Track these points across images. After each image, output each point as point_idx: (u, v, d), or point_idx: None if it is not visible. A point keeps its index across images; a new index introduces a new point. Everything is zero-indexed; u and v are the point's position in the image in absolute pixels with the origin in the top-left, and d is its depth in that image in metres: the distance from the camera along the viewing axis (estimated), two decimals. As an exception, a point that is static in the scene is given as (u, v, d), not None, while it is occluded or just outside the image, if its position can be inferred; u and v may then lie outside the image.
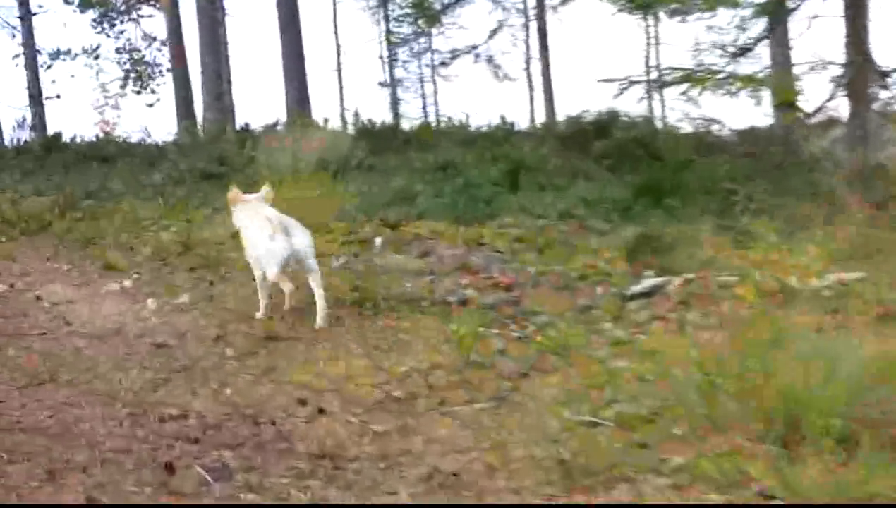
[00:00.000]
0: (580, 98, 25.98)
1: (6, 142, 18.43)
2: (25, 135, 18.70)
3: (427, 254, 6.75)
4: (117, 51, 24.00)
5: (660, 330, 4.95)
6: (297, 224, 5.47)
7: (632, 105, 14.27)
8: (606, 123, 12.86)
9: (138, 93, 24.24)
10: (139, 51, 24.22)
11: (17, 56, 20.73)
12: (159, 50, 23.66)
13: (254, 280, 5.51)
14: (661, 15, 16.30)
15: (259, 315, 5.40)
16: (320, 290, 5.32)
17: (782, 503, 3.04)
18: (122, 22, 23.87)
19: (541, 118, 23.07)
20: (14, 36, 20.87)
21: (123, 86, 24.18)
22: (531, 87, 25.90)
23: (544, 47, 21.24)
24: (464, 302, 5.49)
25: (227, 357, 4.64)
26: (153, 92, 24.07)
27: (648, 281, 5.74)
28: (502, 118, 16.13)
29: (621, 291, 5.65)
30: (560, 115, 18.63)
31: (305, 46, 18.19)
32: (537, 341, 4.83)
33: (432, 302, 5.52)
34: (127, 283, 6.30)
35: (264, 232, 5.32)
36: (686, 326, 4.91)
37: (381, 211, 8.51)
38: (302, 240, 5.36)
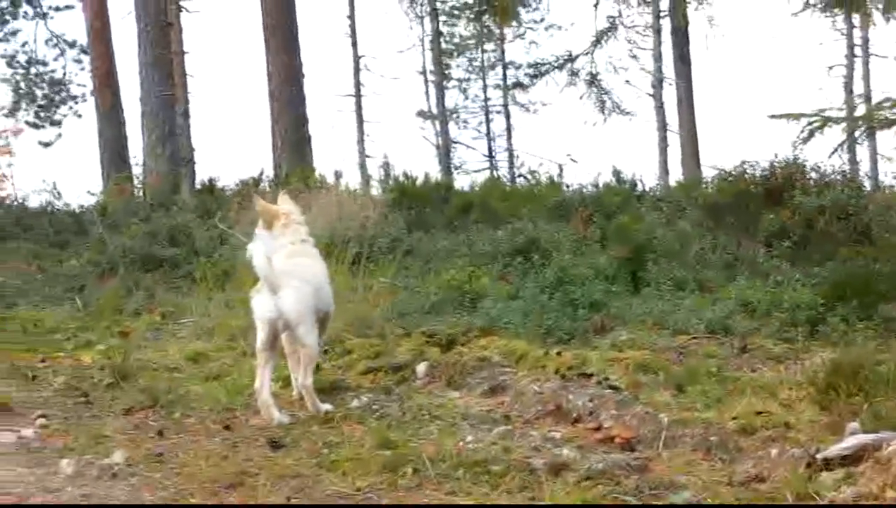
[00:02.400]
0: (737, 145, 22.26)
1: None
2: None
3: (499, 391, 6.00)
4: (9, 63, 17.40)
5: (873, 521, 3.84)
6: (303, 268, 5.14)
7: (823, 156, 11.58)
8: (783, 184, 10.50)
9: (37, 126, 17.06)
10: (43, 63, 17.64)
11: None
12: (77, 61, 17.64)
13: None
14: (874, 13, 13.34)
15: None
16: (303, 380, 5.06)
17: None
18: (15, 16, 16.90)
19: (677, 175, 18.44)
20: None
21: (12, 113, 17.02)
22: (662, 127, 20.57)
23: (684, 62, 16.24)
24: (557, 469, 4.61)
25: (190, 555, 3.69)
26: (53, 123, 16.69)
27: (853, 439, 4.60)
28: (616, 174, 13.48)
29: (809, 453, 4.58)
30: (707, 171, 15.30)
31: (305, 59, 14.20)
32: (674, 534, 3.90)
33: (508, 468, 4.58)
34: (27, 433, 5.26)
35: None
36: (917, 515, 3.80)
37: (427, 320, 7.44)
38: (291, 297, 4.97)
